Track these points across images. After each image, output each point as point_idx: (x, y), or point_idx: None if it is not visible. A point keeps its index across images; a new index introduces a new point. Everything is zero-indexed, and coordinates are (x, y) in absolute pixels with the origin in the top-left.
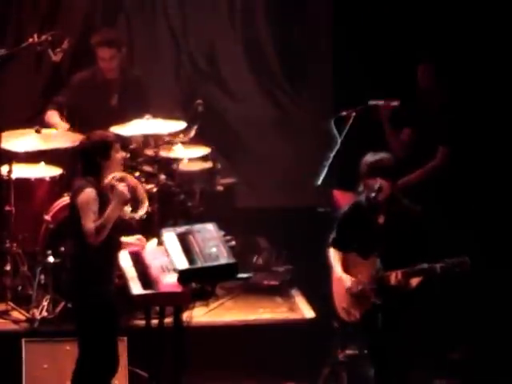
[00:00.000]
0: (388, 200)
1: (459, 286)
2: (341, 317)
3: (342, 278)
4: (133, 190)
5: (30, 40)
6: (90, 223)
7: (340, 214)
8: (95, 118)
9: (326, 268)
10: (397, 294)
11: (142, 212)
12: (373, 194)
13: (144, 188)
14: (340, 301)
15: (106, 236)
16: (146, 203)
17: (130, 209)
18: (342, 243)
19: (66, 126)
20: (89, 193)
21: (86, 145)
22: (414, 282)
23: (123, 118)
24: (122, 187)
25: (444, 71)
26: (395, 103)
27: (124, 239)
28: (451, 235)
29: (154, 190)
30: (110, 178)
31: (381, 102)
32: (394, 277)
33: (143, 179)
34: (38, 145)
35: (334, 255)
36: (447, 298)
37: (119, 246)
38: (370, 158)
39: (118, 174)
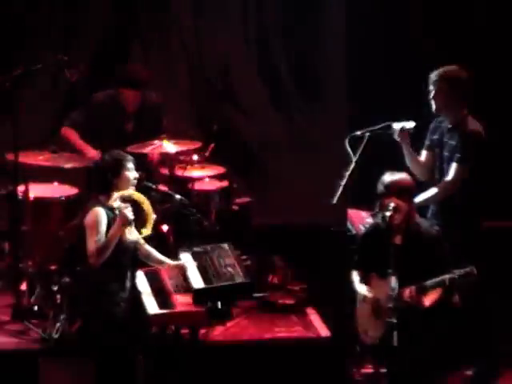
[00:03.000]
0: (405, 221)
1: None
2: (361, 340)
3: (364, 297)
4: (139, 207)
5: (46, 60)
6: (92, 244)
7: (359, 235)
8: (109, 141)
9: (342, 286)
10: (412, 313)
11: (144, 233)
12: (388, 214)
13: (150, 207)
14: (362, 323)
15: (117, 256)
16: (151, 222)
17: (135, 231)
18: (364, 265)
19: (83, 143)
20: (96, 213)
21: (99, 162)
22: (428, 300)
23: (138, 142)
24: (124, 210)
25: (457, 90)
26: (412, 125)
27: (167, 261)
28: (468, 251)
29: (170, 209)
30: (115, 197)
31: (398, 125)
32: (408, 292)
33: (158, 198)
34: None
35: (357, 278)
36: (462, 316)
37: (132, 265)
38: (387, 177)
39: (122, 193)
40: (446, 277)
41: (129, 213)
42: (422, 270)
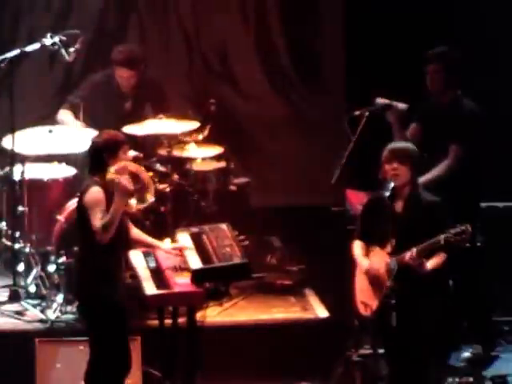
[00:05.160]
0: (407, 187)
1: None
2: (358, 312)
3: (361, 263)
4: (136, 177)
5: (43, 40)
6: (97, 222)
7: (362, 206)
8: (108, 120)
9: (340, 267)
10: (412, 277)
11: (149, 200)
12: (387, 194)
13: (147, 175)
14: (360, 295)
15: (114, 236)
16: (152, 188)
17: (136, 201)
18: (367, 235)
19: (80, 123)
20: (95, 192)
21: (95, 143)
22: (430, 264)
23: (136, 122)
24: (123, 180)
25: (454, 70)
26: (404, 106)
27: (161, 245)
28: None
29: (168, 189)
30: (111, 172)
31: (387, 101)
32: (409, 255)
33: (156, 179)
34: (50, 148)
35: (357, 248)
36: (459, 295)
37: (128, 245)
38: (391, 145)
39: (118, 166)
40: (441, 236)
41: (127, 183)
42: (423, 236)
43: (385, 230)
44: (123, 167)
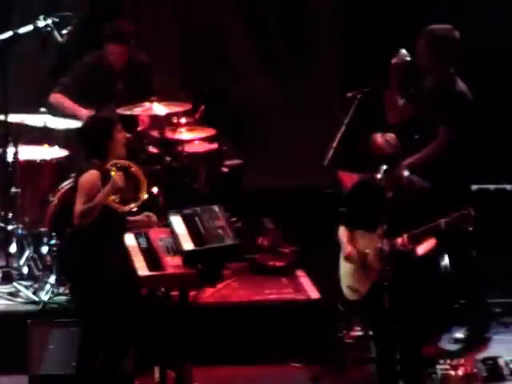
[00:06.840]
0: (395, 181)
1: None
2: (345, 297)
3: (344, 247)
4: (135, 180)
5: (36, 22)
6: (79, 205)
7: (350, 191)
8: (100, 102)
9: (332, 249)
10: (404, 261)
11: (133, 205)
12: (379, 176)
13: (144, 177)
14: (346, 280)
15: (106, 218)
16: (144, 197)
17: (119, 199)
18: (354, 221)
19: (71, 107)
20: (91, 175)
21: (88, 127)
22: (421, 249)
23: (128, 103)
24: (117, 176)
25: (439, 46)
26: (408, 58)
27: (131, 218)
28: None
29: (160, 171)
30: (112, 164)
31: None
32: (401, 241)
33: (148, 161)
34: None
35: (343, 233)
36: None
37: (123, 227)
38: (376, 142)
39: (121, 162)
40: (442, 220)
41: (120, 180)
42: (412, 220)
43: (374, 214)
44: (126, 166)
